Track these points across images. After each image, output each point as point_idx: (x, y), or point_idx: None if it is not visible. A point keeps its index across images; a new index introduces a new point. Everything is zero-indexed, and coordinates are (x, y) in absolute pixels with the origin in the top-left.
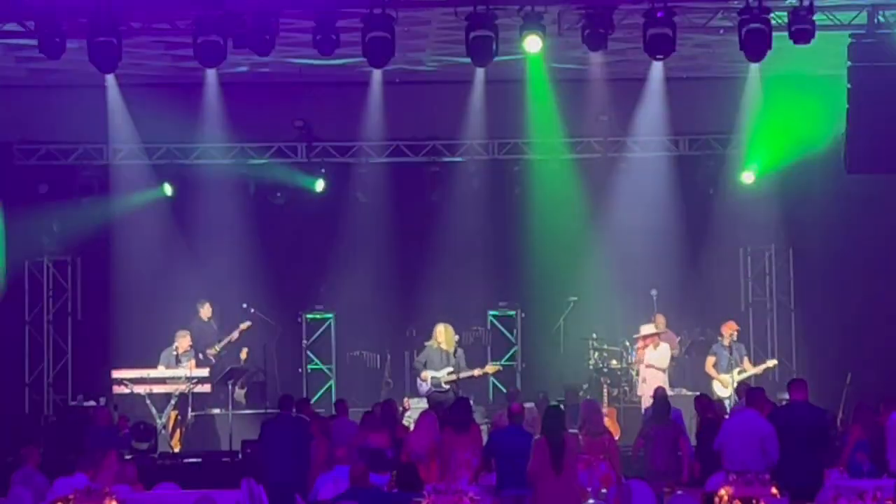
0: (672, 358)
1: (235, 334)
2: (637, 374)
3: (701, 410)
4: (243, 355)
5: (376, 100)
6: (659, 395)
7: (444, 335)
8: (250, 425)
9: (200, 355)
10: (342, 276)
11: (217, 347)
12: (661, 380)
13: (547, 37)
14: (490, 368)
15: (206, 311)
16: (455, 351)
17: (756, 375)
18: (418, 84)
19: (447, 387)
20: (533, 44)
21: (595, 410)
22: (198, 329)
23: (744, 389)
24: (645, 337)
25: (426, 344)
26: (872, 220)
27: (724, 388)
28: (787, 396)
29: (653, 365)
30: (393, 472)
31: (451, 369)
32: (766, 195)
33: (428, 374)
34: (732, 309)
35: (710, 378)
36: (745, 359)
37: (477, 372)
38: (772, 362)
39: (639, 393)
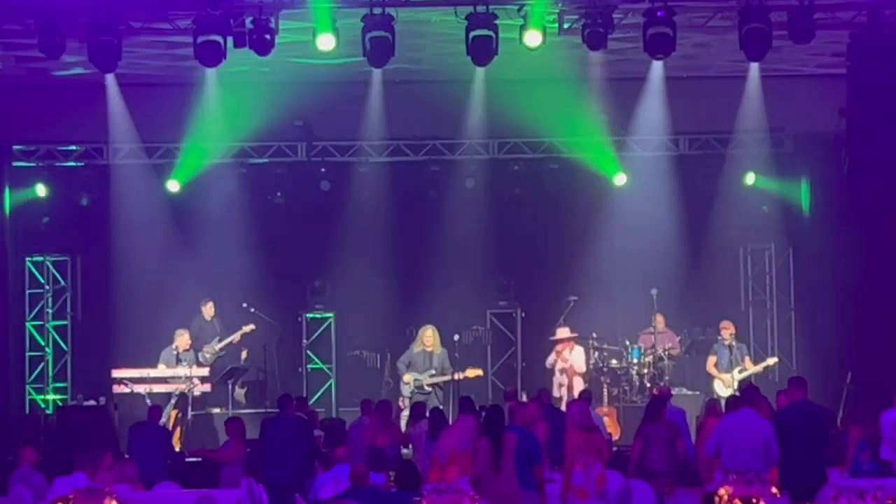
0: (672, 358)
1: (237, 336)
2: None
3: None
4: (244, 355)
5: (376, 100)
6: (654, 395)
7: (431, 338)
8: (250, 425)
9: (200, 356)
10: (342, 276)
11: (216, 347)
12: (579, 386)
13: (547, 34)
14: (470, 373)
15: (208, 309)
16: (439, 352)
17: (757, 374)
18: (418, 84)
19: (429, 389)
20: (533, 38)
21: (583, 408)
22: (198, 327)
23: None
24: (560, 340)
25: (411, 346)
26: (872, 220)
27: (725, 387)
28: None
29: (571, 369)
30: (390, 471)
31: (433, 372)
32: (766, 195)
33: (411, 377)
34: (732, 309)
35: (710, 377)
36: (747, 358)
37: (457, 376)
38: (772, 360)
39: (556, 395)
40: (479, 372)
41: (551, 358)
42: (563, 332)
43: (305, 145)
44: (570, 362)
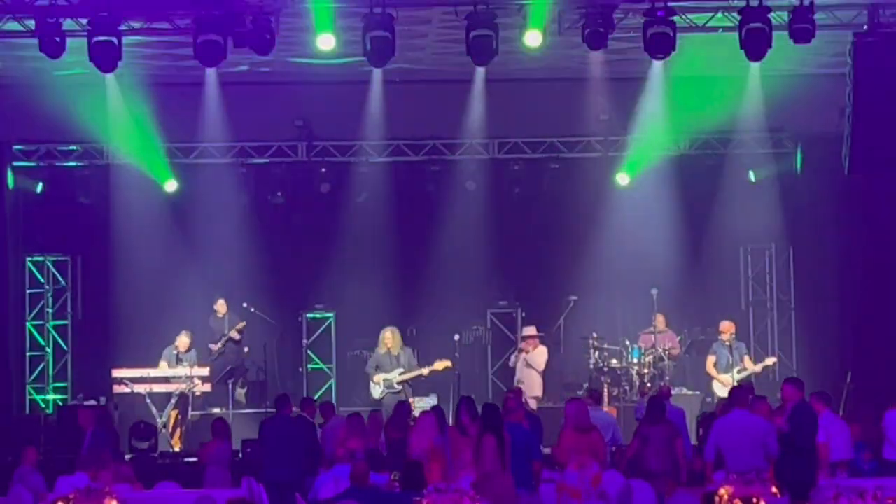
0: (672, 357)
1: (235, 334)
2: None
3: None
4: (244, 356)
5: (376, 99)
6: (654, 395)
7: (391, 340)
8: (250, 425)
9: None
10: (342, 276)
11: (218, 344)
12: (538, 384)
13: (547, 34)
14: (438, 365)
15: (220, 306)
16: (402, 351)
17: (756, 374)
18: (418, 84)
19: (399, 387)
20: (533, 38)
21: (580, 408)
22: (207, 325)
23: (747, 388)
24: (526, 338)
25: (375, 349)
26: (872, 219)
27: (724, 387)
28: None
29: (531, 366)
30: (392, 471)
31: (401, 370)
32: (766, 195)
33: (380, 377)
34: (732, 308)
35: (710, 378)
36: (746, 357)
37: (425, 371)
38: (771, 360)
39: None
40: (448, 363)
41: (513, 356)
42: (529, 330)
43: (305, 145)
44: (522, 361)
